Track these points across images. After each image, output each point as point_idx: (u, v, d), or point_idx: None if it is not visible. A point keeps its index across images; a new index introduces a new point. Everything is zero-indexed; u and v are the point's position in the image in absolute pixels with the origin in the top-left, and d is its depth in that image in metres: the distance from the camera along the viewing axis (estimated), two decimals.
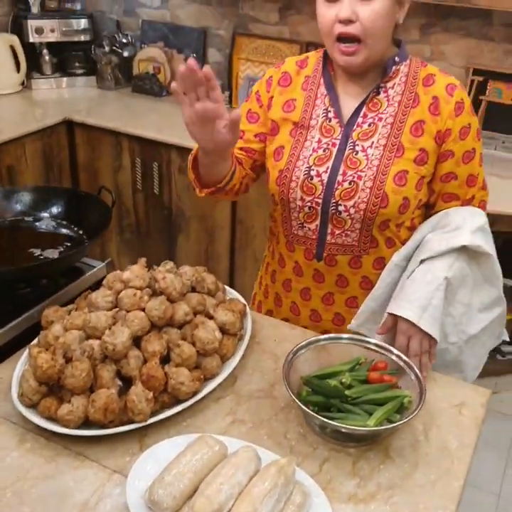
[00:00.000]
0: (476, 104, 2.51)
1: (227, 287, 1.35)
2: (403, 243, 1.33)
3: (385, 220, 1.28)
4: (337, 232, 1.31)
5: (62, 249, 1.47)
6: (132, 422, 1.03)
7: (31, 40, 3.07)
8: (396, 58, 1.27)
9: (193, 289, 1.24)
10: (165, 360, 1.10)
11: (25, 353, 1.16)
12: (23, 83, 3.10)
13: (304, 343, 1.15)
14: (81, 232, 1.54)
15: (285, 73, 1.36)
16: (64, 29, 3.10)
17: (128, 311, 1.12)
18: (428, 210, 1.36)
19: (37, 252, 1.45)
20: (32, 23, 3.03)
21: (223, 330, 1.18)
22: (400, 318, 1.20)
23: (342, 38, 1.20)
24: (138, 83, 3.12)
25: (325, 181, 1.28)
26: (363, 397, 1.07)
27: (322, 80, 1.33)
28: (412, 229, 1.34)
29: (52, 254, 1.44)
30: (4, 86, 3.02)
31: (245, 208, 2.60)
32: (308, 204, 1.31)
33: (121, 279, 1.17)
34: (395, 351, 1.14)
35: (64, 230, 1.55)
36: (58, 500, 0.94)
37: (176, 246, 2.88)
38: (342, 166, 1.28)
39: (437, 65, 1.38)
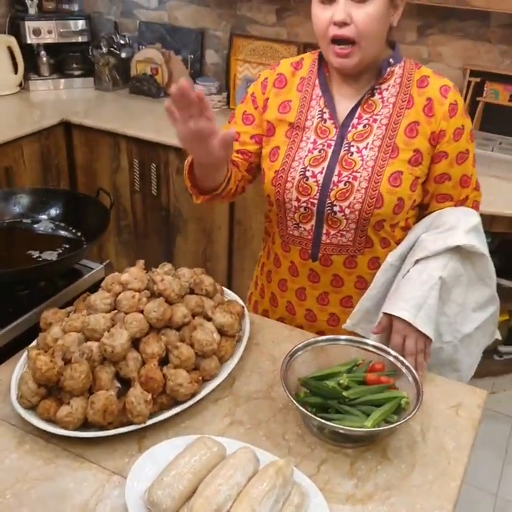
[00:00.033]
0: (473, 105, 2.51)
1: (225, 289, 1.36)
2: (397, 243, 1.33)
3: (379, 220, 1.29)
4: (332, 232, 1.32)
5: (60, 252, 1.47)
6: (131, 423, 1.03)
7: (29, 41, 3.06)
8: (390, 60, 1.28)
9: (192, 291, 1.25)
10: (163, 361, 1.10)
11: (24, 355, 1.16)
12: (20, 84, 3.09)
13: (301, 344, 1.15)
14: (79, 234, 1.54)
15: (280, 75, 1.37)
16: (61, 30, 3.10)
17: (126, 313, 1.12)
18: (422, 210, 1.37)
19: (35, 254, 1.45)
20: (29, 25, 3.03)
21: (221, 331, 1.19)
22: (396, 318, 1.21)
23: (336, 40, 1.21)
24: (135, 84, 3.11)
25: (320, 182, 1.29)
26: (360, 398, 1.07)
27: (317, 82, 1.33)
28: (407, 229, 1.35)
29: (51, 256, 1.44)
30: (2, 87, 3.01)
31: (243, 209, 2.60)
32: (304, 204, 1.31)
33: (120, 281, 1.17)
34: (393, 353, 1.15)
35: (62, 232, 1.55)
36: (57, 501, 0.94)
37: (173, 247, 2.88)
38: (337, 167, 1.28)
39: (434, 66, 1.39)
